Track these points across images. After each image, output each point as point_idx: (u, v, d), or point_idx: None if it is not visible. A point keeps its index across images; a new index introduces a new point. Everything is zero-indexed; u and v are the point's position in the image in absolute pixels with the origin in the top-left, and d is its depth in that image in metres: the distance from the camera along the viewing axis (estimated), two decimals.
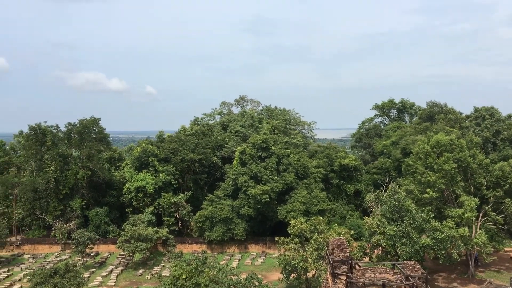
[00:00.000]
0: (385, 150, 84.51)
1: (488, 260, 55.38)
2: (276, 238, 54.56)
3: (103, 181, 78.83)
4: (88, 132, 78.39)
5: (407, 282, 35.02)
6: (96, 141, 79.43)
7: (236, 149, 77.36)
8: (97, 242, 69.80)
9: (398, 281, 35.83)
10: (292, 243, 51.66)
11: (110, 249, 72.09)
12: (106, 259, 69.00)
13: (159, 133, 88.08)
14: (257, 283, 41.35)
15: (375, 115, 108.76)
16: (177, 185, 75.94)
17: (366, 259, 52.71)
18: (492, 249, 55.58)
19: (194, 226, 73.71)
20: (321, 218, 55.31)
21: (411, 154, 64.61)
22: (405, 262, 39.12)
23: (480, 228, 55.16)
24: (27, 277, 53.33)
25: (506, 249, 63.54)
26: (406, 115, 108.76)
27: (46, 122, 77.63)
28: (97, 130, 79.83)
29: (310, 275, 50.44)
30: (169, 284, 39.54)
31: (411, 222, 49.43)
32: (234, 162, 74.61)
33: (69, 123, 78.15)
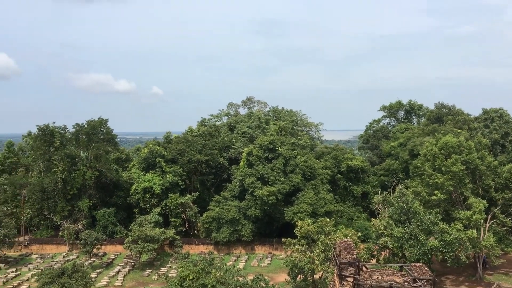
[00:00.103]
0: (392, 152, 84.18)
1: (497, 262, 55.02)
2: (283, 240, 54.45)
3: (111, 181, 79.17)
4: (96, 133, 78.73)
5: (414, 285, 34.84)
6: (104, 142, 79.79)
7: (243, 150, 77.35)
8: (105, 242, 69.97)
9: (406, 283, 35.65)
10: (299, 244, 51.52)
11: (117, 250, 72.33)
12: (113, 259, 69.25)
13: (166, 134, 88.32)
14: (263, 285, 41.33)
15: (382, 117, 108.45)
16: (184, 186, 76.06)
17: (373, 261, 52.52)
18: (501, 252, 55.25)
19: (200, 227, 73.79)
20: (328, 219, 55.14)
21: (419, 156, 64.33)
22: (413, 264, 38.92)
23: (488, 231, 54.79)
24: (35, 277, 53.71)
25: None
26: (414, 117, 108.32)
27: (54, 122, 78.14)
28: (104, 131, 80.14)
29: (317, 276, 50.28)
30: (176, 285, 39.61)
31: (419, 224, 49.20)
32: (241, 163, 74.63)
33: (77, 124, 78.53)
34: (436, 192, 54.22)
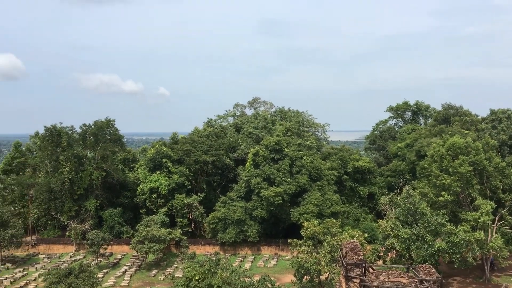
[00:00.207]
0: (399, 153, 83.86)
1: (504, 264, 54.59)
2: (289, 241, 54.41)
3: (117, 182, 79.46)
4: (103, 133, 79.06)
5: (421, 286, 34.71)
6: (111, 142, 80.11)
7: (249, 151, 77.35)
8: (111, 242, 70.26)
9: (413, 284, 35.52)
10: (305, 245, 51.47)
11: (123, 250, 72.57)
12: (119, 259, 69.48)
13: (172, 135, 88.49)
14: (270, 285, 41.29)
15: (389, 117, 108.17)
16: (190, 186, 76.18)
17: (380, 262, 52.37)
18: (508, 254, 54.73)
19: (207, 228, 73.84)
20: (334, 220, 55.06)
21: (426, 157, 64.02)
22: (420, 265, 38.79)
23: (496, 232, 54.40)
24: (42, 277, 53.98)
25: None
26: (421, 117, 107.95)
27: (61, 123, 78.59)
28: (111, 131, 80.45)
29: (323, 278, 50.20)
30: (182, 285, 39.62)
31: (426, 225, 48.97)
32: (247, 164, 74.63)
33: (84, 125, 78.92)
34: (443, 193, 53.92)
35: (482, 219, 50.89)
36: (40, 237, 76.78)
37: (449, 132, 71.58)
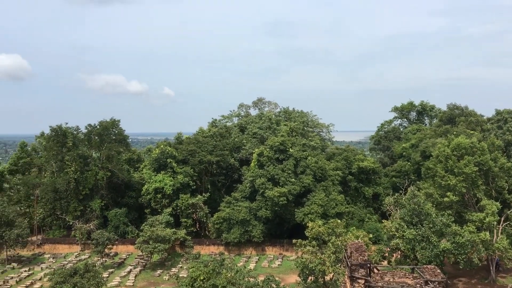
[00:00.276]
0: (404, 153, 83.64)
1: (510, 265, 54.12)
2: (294, 241, 54.34)
3: (122, 182, 79.69)
4: (108, 134, 79.35)
5: (426, 287, 34.58)
6: (116, 142, 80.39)
7: (253, 151, 77.38)
8: (116, 242, 70.49)
9: (418, 285, 35.39)
10: (310, 246, 51.39)
11: (128, 250, 72.79)
12: (124, 259, 69.68)
13: (177, 135, 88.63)
14: (274, 286, 41.32)
15: (394, 118, 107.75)
16: (195, 186, 76.31)
17: (385, 263, 52.21)
18: None
19: (211, 228, 73.90)
20: (339, 221, 54.90)
21: (431, 157, 63.85)
22: (425, 266, 38.59)
23: (501, 233, 54.12)
24: (48, 277, 54.17)
25: None
26: (426, 118, 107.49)
27: (67, 123, 78.87)
28: (116, 131, 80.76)
29: (327, 278, 50.13)
30: (186, 285, 39.69)
31: (431, 226, 48.80)
32: (252, 164, 74.67)
33: (89, 125, 79.21)
34: (448, 193, 53.74)
35: (487, 219, 50.69)
36: (46, 237, 77.12)
37: (454, 133, 71.31)
